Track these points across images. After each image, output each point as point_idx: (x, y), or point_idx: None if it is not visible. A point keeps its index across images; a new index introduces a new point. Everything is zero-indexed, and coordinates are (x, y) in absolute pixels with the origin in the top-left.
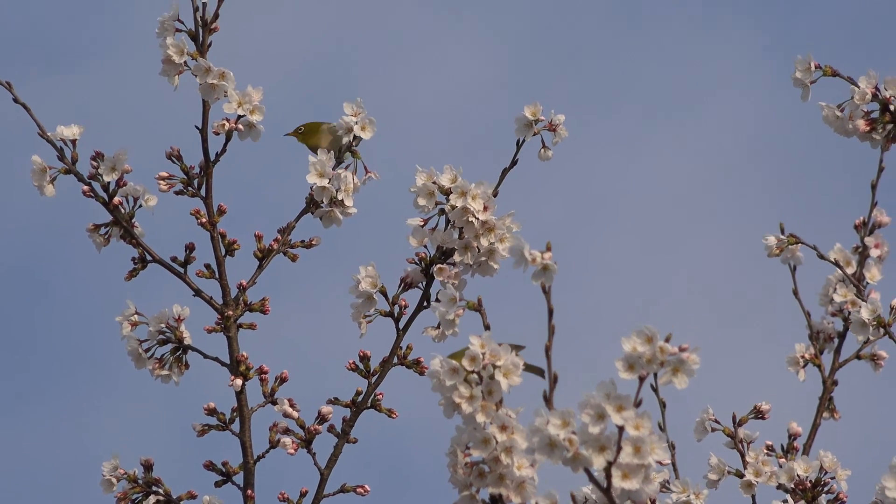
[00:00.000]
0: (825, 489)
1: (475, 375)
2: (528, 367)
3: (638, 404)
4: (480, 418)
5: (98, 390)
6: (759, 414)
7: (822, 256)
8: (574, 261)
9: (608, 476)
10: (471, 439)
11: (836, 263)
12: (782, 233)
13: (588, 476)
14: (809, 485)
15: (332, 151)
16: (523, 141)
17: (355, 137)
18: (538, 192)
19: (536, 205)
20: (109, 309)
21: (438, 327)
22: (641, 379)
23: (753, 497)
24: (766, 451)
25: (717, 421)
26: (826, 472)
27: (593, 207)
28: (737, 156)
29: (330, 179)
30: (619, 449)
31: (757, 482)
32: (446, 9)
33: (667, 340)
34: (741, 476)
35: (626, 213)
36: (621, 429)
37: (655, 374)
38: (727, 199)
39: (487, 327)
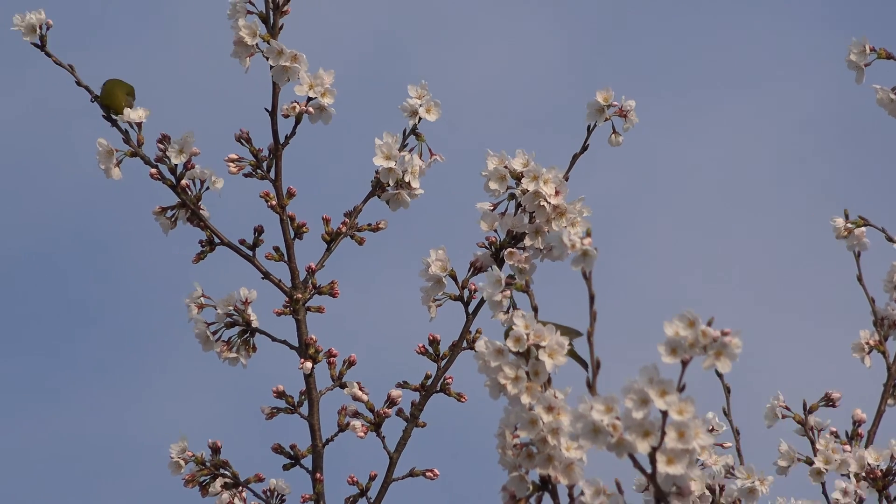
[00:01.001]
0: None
1: (521, 356)
2: (574, 355)
3: (681, 389)
4: (525, 399)
5: (166, 372)
6: (829, 401)
7: (890, 239)
8: (627, 239)
9: (653, 461)
10: (518, 420)
11: None
12: (846, 218)
13: (632, 461)
14: (880, 473)
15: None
16: (594, 126)
17: (420, 120)
18: (596, 169)
19: (593, 181)
20: (177, 292)
21: (508, 311)
22: (684, 363)
23: (823, 485)
24: (832, 437)
25: (787, 408)
26: None
27: (649, 186)
28: (797, 137)
29: (396, 161)
30: (664, 434)
31: (826, 470)
32: None
33: (709, 324)
34: (811, 463)
35: (682, 192)
36: (665, 413)
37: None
38: (787, 180)
39: (535, 309)
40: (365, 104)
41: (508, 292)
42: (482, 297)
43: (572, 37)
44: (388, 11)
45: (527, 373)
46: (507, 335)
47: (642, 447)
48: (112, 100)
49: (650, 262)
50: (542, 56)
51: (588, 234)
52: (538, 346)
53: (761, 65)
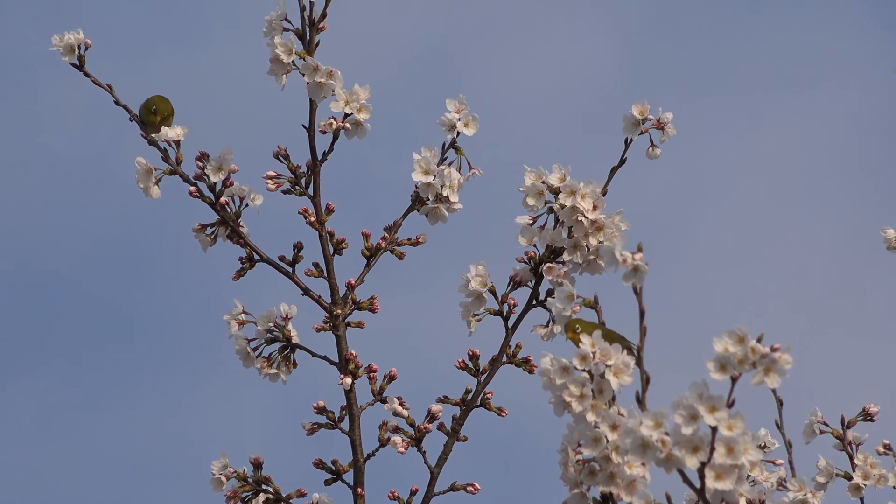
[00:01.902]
0: None
1: (586, 374)
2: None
3: (731, 405)
4: (591, 417)
5: (207, 389)
6: (867, 416)
7: None
8: (673, 247)
9: (702, 477)
10: (582, 437)
11: None
12: None
13: (681, 477)
14: None
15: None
16: (631, 140)
17: (459, 134)
18: (643, 173)
19: (640, 185)
20: (217, 308)
21: (547, 325)
22: (734, 379)
23: (862, 500)
24: (883, 450)
25: (825, 423)
26: None
27: (699, 189)
28: (848, 143)
29: (435, 176)
30: (713, 450)
31: (865, 485)
32: None
33: (759, 340)
34: (850, 478)
35: (731, 196)
36: (714, 429)
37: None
38: (835, 186)
39: (603, 324)
40: (408, 116)
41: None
42: (522, 312)
43: (625, 39)
44: (436, 17)
45: (592, 390)
46: (567, 329)
47: (691, 463)
48: (150, 117)
49: (699, 265)
50: (595, 58)
51: (640, 250)
52: (605, 365)
53: (814, 67)
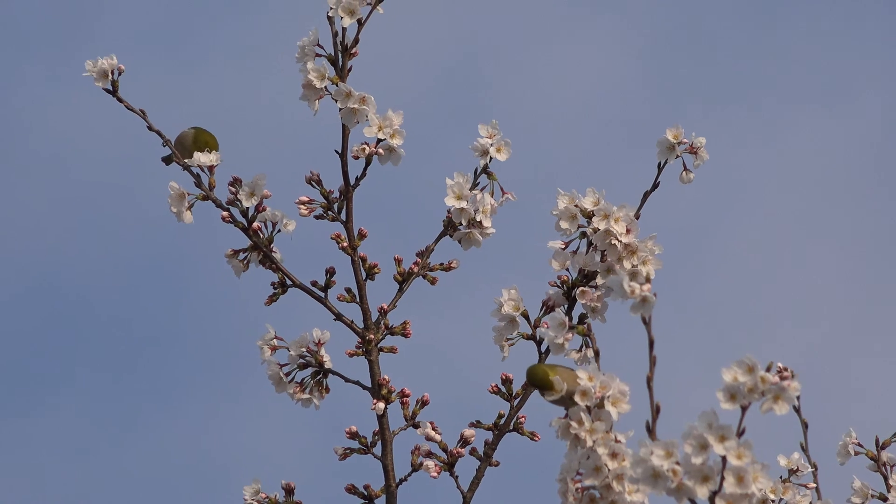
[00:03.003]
0: None
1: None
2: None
3: (741, 434)
4: (601, 450)
5: (239, 414)
6: None
7: None
8: (698, 258)
9: None
10: (582, 466)
11: None
12: None
13: None
14: None
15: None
16: (665, 163)
17: (491, 159)
18: (668, 187)
19: (664, 197)
20: (249, 334)
21: (581, 350)
22: (743, 409)
23: None
24: None
25: (860, 444)
26: None
27: (726, 200)
28: (872, 157)
29: (468, 201)
30: (723, 479)
31: None
32: (580, 3)
33: (768, 369)
34: (885, 500)
35: (764, 208)
36: (724, 459)
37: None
38: (871, 201)
39: (597, 353)
40: (437, 136)
41: (570, 335)
42: None
43: (655, 49)
44: (465, 35)
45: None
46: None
47: (701, 492)
48: (189, 146)
49: (731, 276)
50: (618, 70)
51: (648, 280)
52: (603, 396)
53: (846, 79)
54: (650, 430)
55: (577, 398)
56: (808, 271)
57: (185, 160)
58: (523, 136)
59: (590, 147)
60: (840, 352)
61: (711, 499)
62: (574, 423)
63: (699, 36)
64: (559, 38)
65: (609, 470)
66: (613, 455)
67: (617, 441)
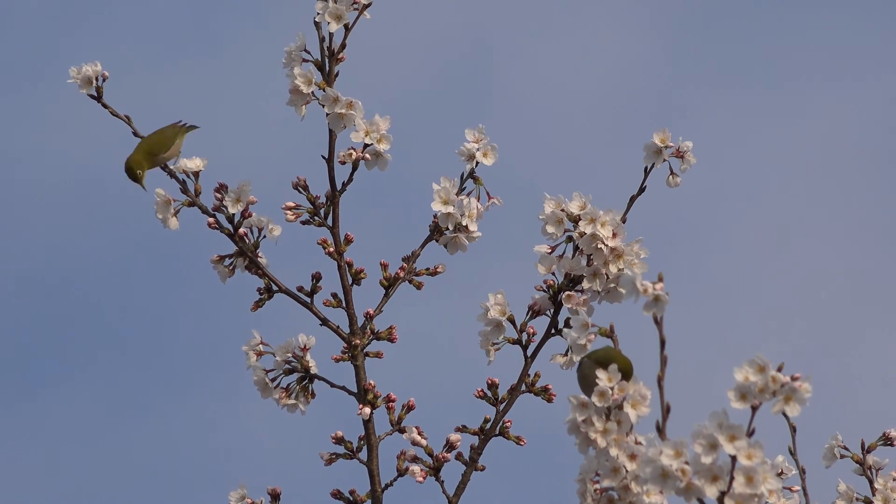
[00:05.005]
0: None
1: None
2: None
3: (751, 434)
4: (614, 452)
5: (224, 420)
6: (888, 441)
7: None
8: (701, 241)
9: None
10: (600, 468)
11: None
12: None
13: None
14: None
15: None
16: (652, 167)
17: (477, 164)
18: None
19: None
20: (235, 339)
21: (566, 354)
22: (754, 408)
23: None
24: (893, 479)
25: (845, 447)
26: None
27: (736, 182)
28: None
29: (454, 206)
30: (732, 479)
31: None
32: None
33: (779, 370)
34: (869, 503)
35: (768, 189)
36: (734, 458)
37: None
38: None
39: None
40: (426, 138)
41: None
42: (541, 340)
43: (666, 25)
44: (468, 25)
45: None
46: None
47: (710, 492)
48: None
49: (733, 260)
50: (631, 53)
51: (660, 280)
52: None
53: (856, 57)
54: (660, 430)
55: (594, 399)
56: (814, 242)
57: (171, 166)
58: (532, 124)
59: (613, 125)
60: (831, 347)
61: (720, 499)
62: (581, 422)
63: (712, 17)
64: (566, 27)
65: (627, 471)
66: (632, 457)
67: (637, 443)
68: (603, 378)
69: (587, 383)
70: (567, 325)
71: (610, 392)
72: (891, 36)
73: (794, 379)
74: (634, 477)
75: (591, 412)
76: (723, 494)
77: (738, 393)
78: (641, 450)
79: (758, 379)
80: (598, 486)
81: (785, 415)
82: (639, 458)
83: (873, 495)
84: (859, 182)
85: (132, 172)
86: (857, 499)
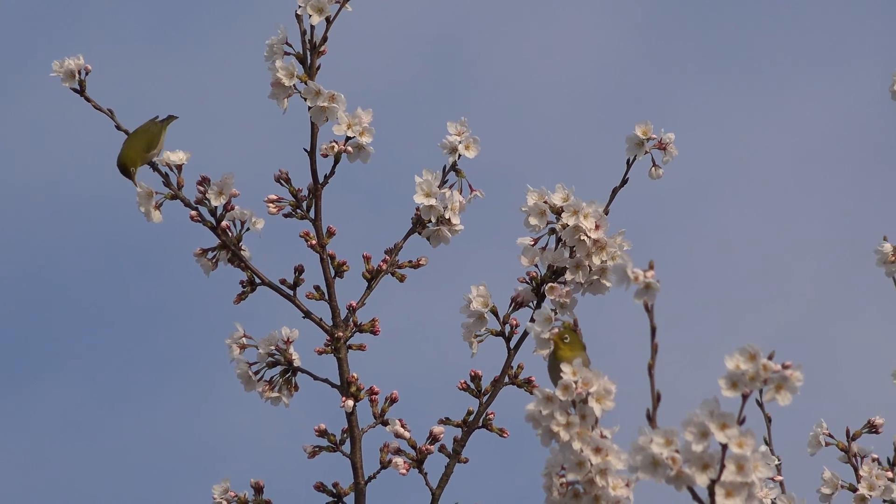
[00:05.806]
0: None
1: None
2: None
3: (741, 422)
4: (577, 445)
5: (207, 413)
6: (872, 428)
7: None
8: (692, 226)
9: (711, 494)
10: (566, 461)
11: None
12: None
13: (691, 494)
14: None
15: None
16: (634, 159)
17: (460, 156)
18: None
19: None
20: (218, 332)
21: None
22: (745, 396)
23: None
24: (874, 463)
25: (830, 435)
26: None
27: (720, 169)
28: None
29: (436, 198)
30: (723, 467)
31: (871, 496)
32: None
33: (770, 358)
34: (854, 490)
35: (751, 176)
36: (725, 447)
37: (761, 390)
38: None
39: (583, 347)
40: (406, 131)
41: (556, 330)
42: (524, 332)
43: (649, 15)
44: (447, 17)
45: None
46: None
47: (701, 480)
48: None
49: (714, 248)
50: (616, 36)
51: (651, 267)
52: (587, 393)
53: (846, 43)
54: (650, 418)
55: (558, 392)
56: (800, 242)
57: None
58: (516, 112)
59: (597, 116)
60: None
61: (711, 487)
62: (544, 413)
63: (697, 6)
64: (549, 17)
65: (592, 465)
66: (597, 450)
67: (602, 436)
68: (567, 372)
69: (557, 376)
70: (531, 319)
71: (574, 385)
72: (874, 22)
73: (785, 367)
74: (599, 470)
75: (556, 406)
76: (713, 483)
77: (728, 381)
78: (608, 443)
79: (749, 367)
80: (563, 479)
81: (762, 408)
82: (604, 452)
83: (858, 482)
84: (842, 169)
85: (126, 170)
86: (842, 486)
